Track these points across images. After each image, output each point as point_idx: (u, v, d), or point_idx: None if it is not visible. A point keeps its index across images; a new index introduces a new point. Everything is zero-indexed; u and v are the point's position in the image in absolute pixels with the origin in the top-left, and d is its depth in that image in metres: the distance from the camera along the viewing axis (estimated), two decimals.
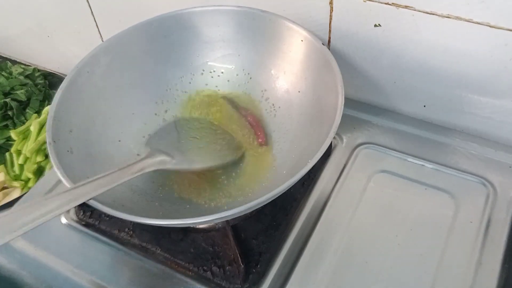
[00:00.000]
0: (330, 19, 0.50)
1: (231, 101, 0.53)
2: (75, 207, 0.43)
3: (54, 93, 0.70)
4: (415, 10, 0.45)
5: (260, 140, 0.49)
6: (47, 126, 0.42)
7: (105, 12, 0.68)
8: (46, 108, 0.79)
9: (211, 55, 0.53)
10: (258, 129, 0.50)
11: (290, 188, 0.37)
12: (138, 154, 0.49)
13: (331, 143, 0.51)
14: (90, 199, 0.36)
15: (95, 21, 0.70)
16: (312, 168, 0.37)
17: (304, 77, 0.49)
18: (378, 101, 0.56)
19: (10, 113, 0.77)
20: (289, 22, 0.48)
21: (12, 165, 0.74)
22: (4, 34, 0.85)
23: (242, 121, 0.51)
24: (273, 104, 0.52)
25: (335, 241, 0.44)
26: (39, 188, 0.52)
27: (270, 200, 0.37)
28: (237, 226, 0.45)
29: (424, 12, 0.44)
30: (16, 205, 0.34)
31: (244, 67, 0.53)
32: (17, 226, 0.32)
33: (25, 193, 0.54)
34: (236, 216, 0.37)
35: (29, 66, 0.85)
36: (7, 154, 0.75)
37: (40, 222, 0.33)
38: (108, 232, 0.47)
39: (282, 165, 0.47)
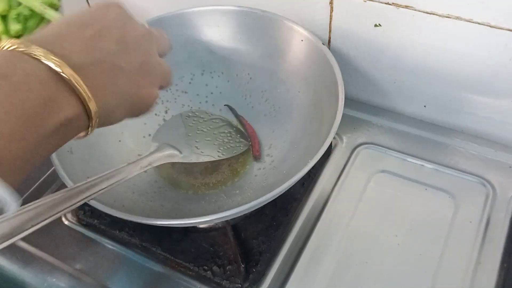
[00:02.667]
0: (330, 19, 0.50)
1: (232, 109, 0.53)
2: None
3: None
4: (415, 10, 0.45)
5: (256, 152, 0.49)
6: None
7: None
8: None
9: (211, 55, 0.53)
10: (255, 141, 0.50)
11: (290, 188, 0.37)
12: (139, 155, 0.49)
13: (331, 143, 0.51)
14: (105, 190, 0.36)
15: None
16: (312, 168, 0.37)
17: (304, 77, 0.49)
18: (378, 101, 0.56)
19: None
20: (289, 22, 0.48)
21: None
22: None
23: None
24: (273, 105, 0.52)
25: (335, 241, 0.44)
26: (39, 188, 0.53)
27: (270, 200, 0.37)
28: (237, 226, 0.45)
29: (424, 12, 0.44)
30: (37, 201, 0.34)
31: (244, 68, 0.53)
32: (42, 218, 0.33)
33: None
34: (236, 216, 0.37)
35: None
36: None
37: (58, 215, 0.34)
38: (109, 232, 0.47)
39: (282, 165, 0.47)
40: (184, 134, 0.49)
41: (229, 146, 0.49)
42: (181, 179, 0.48)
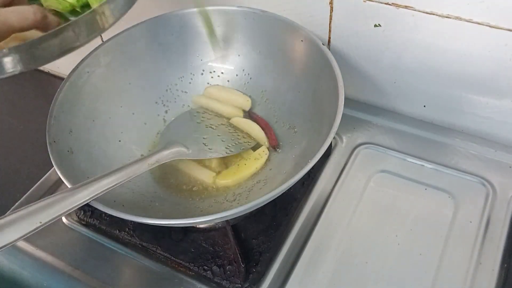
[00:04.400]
0: (330, 19, 0.50)
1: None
2: None
3: None
4: (415, 10, 0.45)
5: (272, 142, 0.49)
6: (47, 126, 0.42)
7: None
8: None
9: (211, 55, 0.53)
10: (270, 132, 0.50)
11: (290, 188, 0.37)
12: (142, 155, 0.49)
13: (331, 143, 0.51)
14: (113, 187, 0.37)
15: None
16: (312, 168, 0.37)
17: (304, 77, 0.49)
18: (378, 101, 0.56)
19: None
20: (289, 22, 0.48)
21: None
22: None
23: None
24: (273, 105, 0.52)
25: (335, 241, 0.44)
26: (39, 188, 0.53)
27: (270, 200, 0.37)
28: (237, 226, 0.45)
29: (424, 12, 0.45)
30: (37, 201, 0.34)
31: (244, 68, 0.53)
32: (44, 217, 0.33)
33: None
34: (236, 216, 0.37)
35: None
36: None
37: (65, 212, 0.34)
38: (109, 232, 0.47)
39: (282, 165, 0.47)
40: (192, 131, 0.49)
41: (237, 143, 0.49)
42: (182, 179, 0.48)
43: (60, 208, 0.34)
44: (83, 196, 0.35)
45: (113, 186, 0.37)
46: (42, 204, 0.33)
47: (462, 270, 0.41)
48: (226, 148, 0.48)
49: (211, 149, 0.47)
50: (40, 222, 0.33)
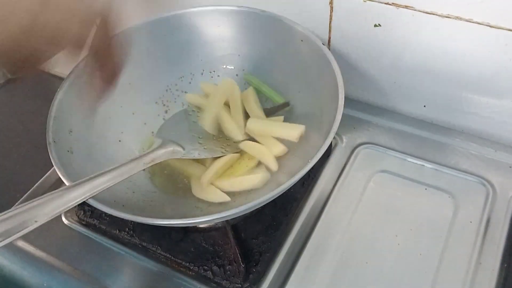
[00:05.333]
0: (330, 19, 0.50)
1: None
2: (75, 207, 0.43)
3: None
4: (415, 10, 0.45)
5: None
6: (47, 126, 0.42)
7: None
8: None
9: (211, 55, 0.53)
10: None
11: (290, 188, 0.37)
12: None
13: (331, 143, 0.51)
14: (108, 186, 0.37)
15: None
16: (312, 168, 0.37)
17: (304, 77, 0.49)
18: (378, 101, 0.56)
19: None
20: (289, 22, 0.48)
21: None
22: None
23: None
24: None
25: (335, 241, 0.44)
26: (39, 188, 0.53)
27: (270, 200, 0.37)
28: (237, 226, 0.45)
29: (424, 12, 0.45)
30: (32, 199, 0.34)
31: (244, 67, 0.53)
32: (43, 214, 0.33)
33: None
34: (236, 216, 0.37)
35: None
36: None
37: (62, 211, 0.34)
38: (108, 232, 0.47)
39: (282, 165, 0.47)
40: (187, 130, 0.49)
41: (232, 142, 0.49)
42: (181, 179, 0.48)
43: (55, 207, 0.34)
44: (78, 195, 0.35)
45: (107, 185, 0.37)
46: (37, 203, 0.33)
47: (462, 270, 0.41)
48: (221, 148, 0.47)
49: (206, 148, 0.47)
50: (36, 221, 0.32)
